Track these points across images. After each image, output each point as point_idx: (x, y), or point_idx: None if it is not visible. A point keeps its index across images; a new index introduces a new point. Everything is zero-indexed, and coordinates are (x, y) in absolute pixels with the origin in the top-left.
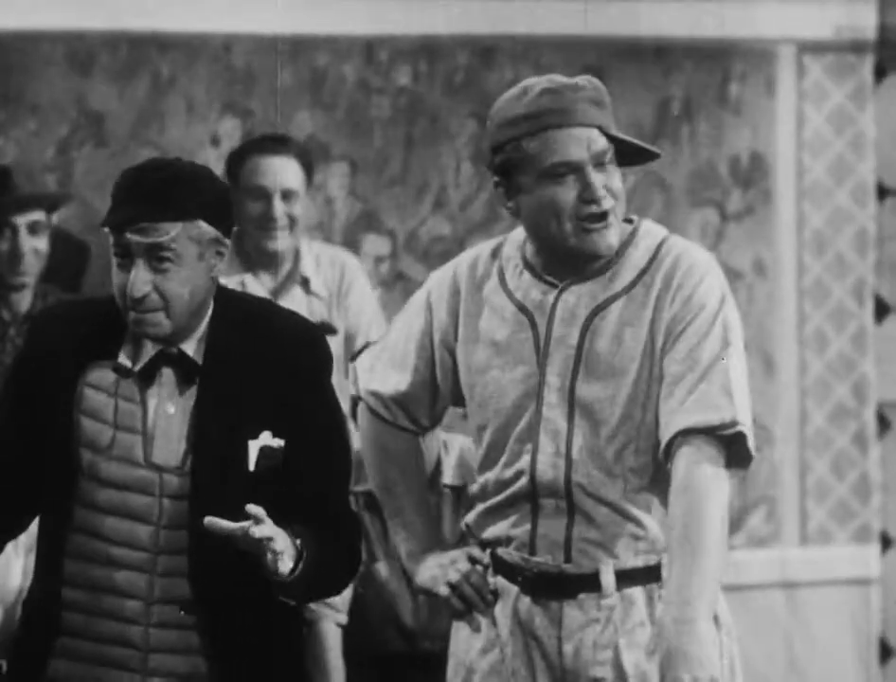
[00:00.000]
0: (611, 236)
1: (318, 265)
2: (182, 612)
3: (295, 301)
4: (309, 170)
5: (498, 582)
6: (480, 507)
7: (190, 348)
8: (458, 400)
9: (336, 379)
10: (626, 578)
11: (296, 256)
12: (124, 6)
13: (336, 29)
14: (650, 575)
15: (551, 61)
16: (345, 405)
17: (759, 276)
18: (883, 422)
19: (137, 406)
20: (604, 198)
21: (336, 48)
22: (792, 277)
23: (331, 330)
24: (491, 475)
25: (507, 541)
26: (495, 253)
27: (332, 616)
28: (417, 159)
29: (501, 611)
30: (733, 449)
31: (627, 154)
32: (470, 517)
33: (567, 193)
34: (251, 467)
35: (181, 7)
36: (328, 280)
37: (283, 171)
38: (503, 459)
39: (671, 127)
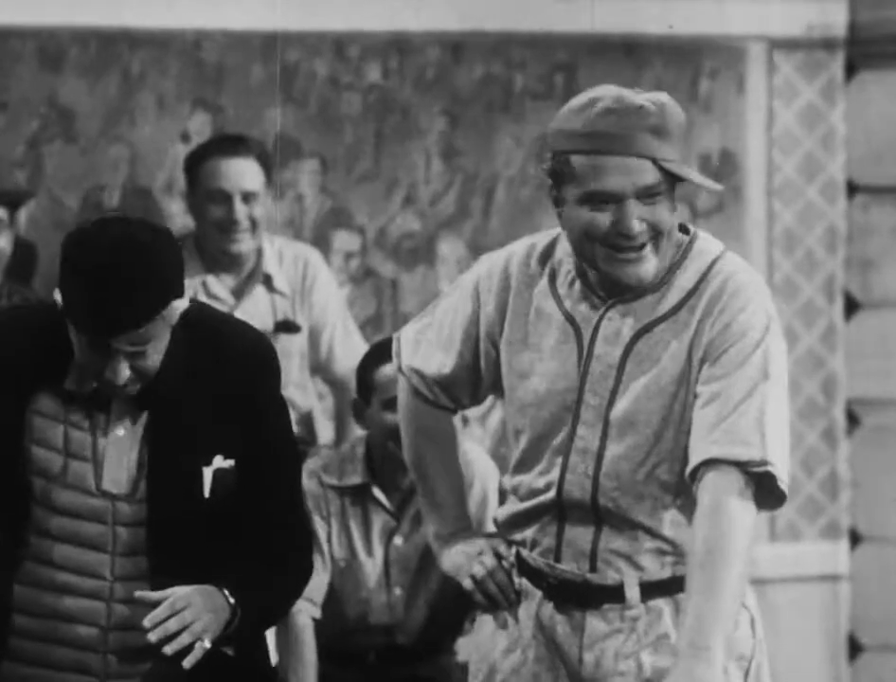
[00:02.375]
0: (645, 269)
1: (281, 262)
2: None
3: (257, 299)
4: (268, 169)
5: (524, 583)
6: (510, 507)
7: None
8: (500, 390)
9: (299, 376)
10: (653, 589)
11: (259, 254)
12: (94, 2)
13: (306, 26)
14: (677, 586)
15: (522, 57)
16: (309, 400)
17: None
18: (852, 419)
19: (86, 433)
20: (640, 233)
21: (306, 45)
22: (762, 274)
23: (295, 327)
24: (525, 479)
25: (532, 545)
26: (548, 251)
27: (307, 610)
28: (387, 155)
29: (525, 613)
30: (763, 487)
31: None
32: (499, 513)
33: (604, 220)
34: (206, 493)
35: (151, 3)
36: (291, 277)
37: (243, 173)
38: (538, 468)
39: None
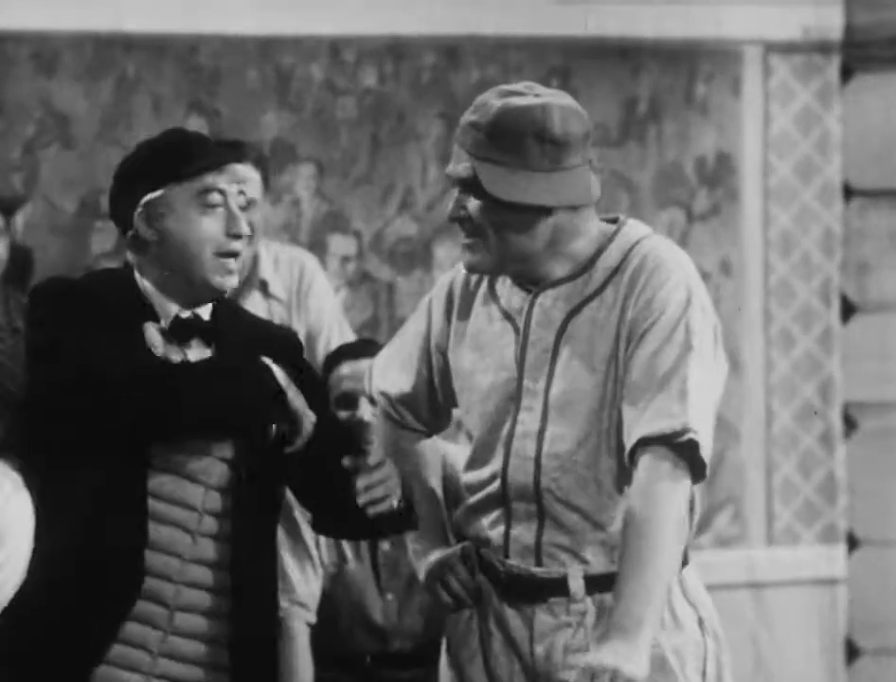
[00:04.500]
0: (472, 257)
1: (277, 267)
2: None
3: (254, 305)
4: (266, 175)
5: (482, 581)
6: (463, 505)
7: (205, 312)
8: (456, 403)
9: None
10: (598, 583)
11: (255, 260)
12: (89, 6)
13: (302, 30)
14: None
15: (518, 61)
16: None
17: (725, 276)
18: (849, 422)
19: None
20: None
21: (302, 49)
22: (758, 277)
23: None
24: (471, 476)
25: (485, 542)
26: None
27: (302, 615)
28: (383, 160)
29: (485, 611)
30: (691, 458)
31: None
32: (457, 514)
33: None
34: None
35: (147, 7)
36: (286, 282)
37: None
38: (482, 461)
39: (637, 127)
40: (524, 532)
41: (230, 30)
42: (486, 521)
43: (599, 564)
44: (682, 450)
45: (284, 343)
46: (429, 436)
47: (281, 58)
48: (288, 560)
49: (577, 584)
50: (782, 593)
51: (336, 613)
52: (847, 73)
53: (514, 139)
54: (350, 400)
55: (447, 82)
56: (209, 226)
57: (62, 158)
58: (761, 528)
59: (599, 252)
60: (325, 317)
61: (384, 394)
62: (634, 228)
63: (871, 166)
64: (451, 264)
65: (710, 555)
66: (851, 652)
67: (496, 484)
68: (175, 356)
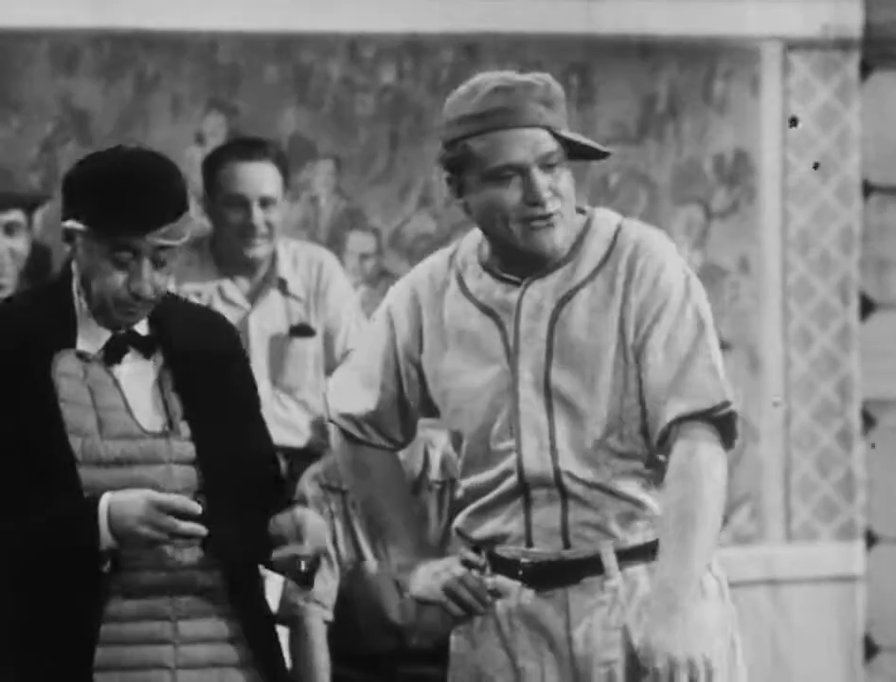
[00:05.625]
0: (557, 237)
1: (296, 265)
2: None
3: (272, 304)
4: (286, 174)
5: (498, 581)
6: (468, 509)
7: (141, 327)
8: (429, 411)
9: (314, 379)
10: (627, 557)
11: (273, 258)
12: (109, 3)
13: (321, 27)
14: (650, 552)
15: (537, 58)
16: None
17: (743, 273)
18: (867, 420)
19: (110, 386)
20: (549, 200)
21: (321, 46)
22: (776, 274)
23: (310, 331)
24: (474, 479)
25: (501, 538)
26: (451, 260)
27: (319, 612)
28: (401, 157)
29: (505, 610)
30: (728, 429)
31: (581, 151)
32: (459, 520)
33: (512, 195)
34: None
35: (166, 5)
36: (305, 280)
37: (262, 178)
38: (487, 460)
39: (656, 124)
40: (547, 517)
41: (249, 28)
42: (501, 517)
43: (626, 537)
44: (721, 423)
45: (222, 331)
46: (392, 451)
47: (300, 55)
48: None
49: (610, 560)
50: (800, 590)
51: (354, 611)
52: (866, 70)
53: (562, 107)
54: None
55: (466, 80)
56: (114, 279)
57: (80, 156)
58: (779, 525)
59: (580, 238)
60: (343, 315)
61: (344, 415)
62: (606, 213)
63: (890, 163)
64: None
65: (729, 552)
66: (870, 648)
67: (512, 479)
68: (102, 377)
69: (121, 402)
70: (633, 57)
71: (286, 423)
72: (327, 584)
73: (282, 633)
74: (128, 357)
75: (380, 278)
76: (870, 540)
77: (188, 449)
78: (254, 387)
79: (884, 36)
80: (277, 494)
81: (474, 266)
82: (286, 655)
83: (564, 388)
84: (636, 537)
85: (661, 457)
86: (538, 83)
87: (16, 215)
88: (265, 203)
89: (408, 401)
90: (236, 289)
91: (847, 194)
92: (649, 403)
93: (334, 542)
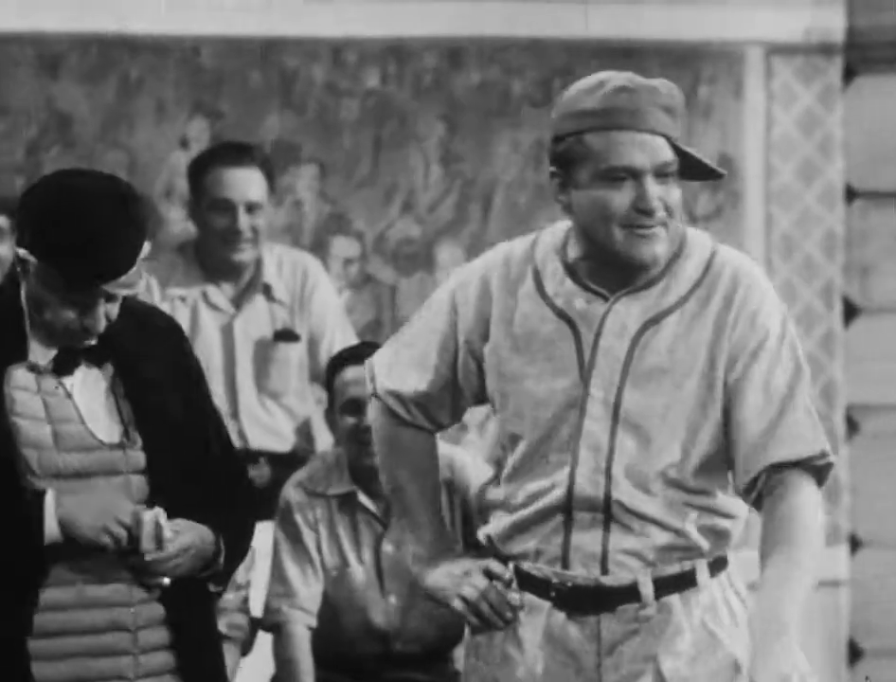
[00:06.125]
0: (658, 247)
1: (280, 270)
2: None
3: (257, 309)
4: (271, 179)
5: (526, 598)
6: (506, 518)
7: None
8: (480, 400)
9: (299, 384)
10: (663, 586)
11: (258, 263)
12: (93, 8)
13: (305, 32)
14: (686, 581)
15: (520, 63)
16: (308, 408)
17: None
18: (851, 425)
19: (63, 398)
20: (658, 210)
21: (305, 51)
22: None
23: (294, 336)
24: (523, 486)
25: (535, 555)
26: (528, 254)
27: (302, 618)
28: (385, 161)
29: (531, 629)
30: (822, 477)
31: (689, 169)
32: (492, 529)
33: (622, 198)
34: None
35: (150, 9)
36: (290, 285)
37: (247, 184)
38: (539, 471)
39: None
40: (588, 541)
41: (233, 32)
42: (539, 533)
43: (665, 566)
44: (817, 471)
45: (168, 334)
46: (431, 433)
47: (284, 60)
48: (288, 563)
49: (647, 589)
50: None
51: (338, 616)
52: (849, 75)
53: (682, 119)
54: (357, 405)
55: (449, 84)
56: (66, 314)
57: (64, 160)
58: None
59: (673, 259)
60: (328, 320)
61: (393, 393)
62: (698, 235)
63: (874, 167)
64: (453, 266)
65: None
66: (854, 653)
67: (558, 493)
68: (54, 389)
69: (75, 413)
70: (616, 62)
71: (271, 429)
72: (310, 590)
73: (267, 639)
74: (80, 368)
75: (364, 283)
76: (854, 545)
77: (143, 458)
78: (202, 387)
79: (866, 41)
80: (239, 491)
81: (556, 267)
82: (272, 660)
83: (634, 412)
84: (673, 567)
85: (745, 499)
86: (663, 89)
87: (1, 220)
88: (251, 208)
89: (462, 388)
90: (220, 294)
91: (830, 199)
92: (741, 444)
93: (318, 548)
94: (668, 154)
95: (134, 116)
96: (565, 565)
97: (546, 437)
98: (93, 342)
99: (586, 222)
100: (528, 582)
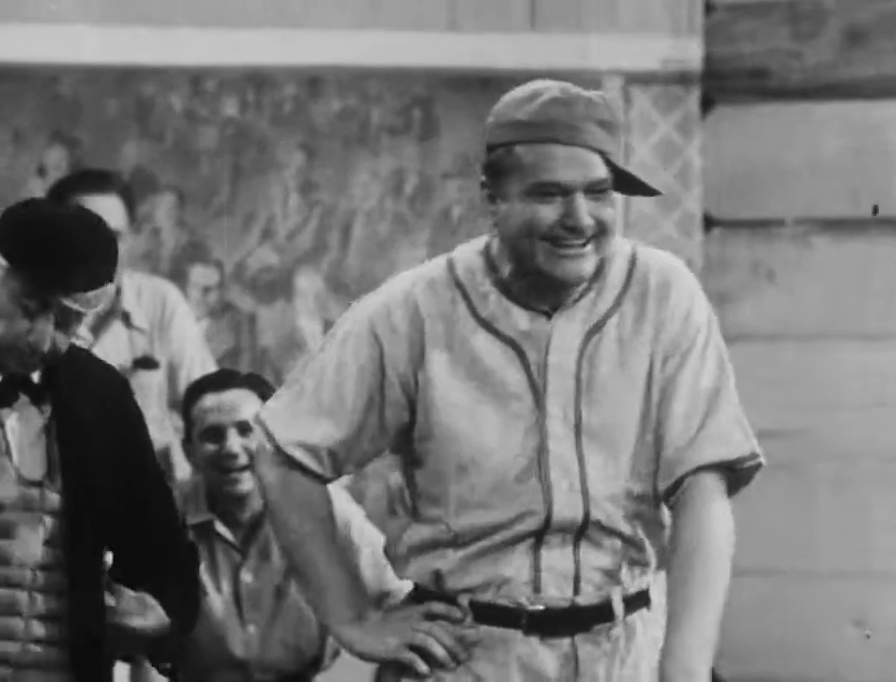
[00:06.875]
0: (585, 265)
1: (139, 298)
2: None
3: (116, 336)
4: (132, 207)
5: (493, 631)
6: (457, 553)
7: (35, 374)
8: (399, 444)
9: (158, 412)
10: (628, 604)
11: (118, 290)
12: None
13: (163, 60)
14: (644, 599)
15: (379, 91)
16: (166, 436)
17: None
18: None
19: None
20: (588, 227)
21: (163, 79)
22: None
23: (153, 364)
24: (481, 517)
25: (500, 584)
26: (450, 278)
27: None
28: (244, 189)
29: (491, 665)
30: (745, 479)
31: (624, 184)
32: (440, 564)
33: (549, 214)
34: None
35: (7, 36)
36: (149, 313)
37: (107, 211)
38: (499, 500)
39: None
40: (559, 561)
41: (91, 60)
42: (502, 561)
43: (630, 584)
44: (746, 472)
45: (112, 386)
46: (325, 484)
47: (142, 88)
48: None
49: (619, 607)
50: None
51: (197, 646)
52: (707, 104)
53: (618, 132)
54: (217, 432)
55: (308, 112)
56: (16, 325)
57: None
58: None
59: (600, 265)
60: (187, 348)
61: (301, 444)
62: (618, 239)
63: (732, 196)
64: (313, 294)
65: None
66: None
67: (534, 521)
68: None
69: (3, 446)
70: (474, 90)
71: None
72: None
73: (125, 669)
74: (18, 403)
75: (223, 311)
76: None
77: (58, 500)
78: (141, 439)
79: (724, 70)
80: (179, 554)
81: (487, 288)
82: None
83: (595, 425)
84: (635, 584)
85: (665, 502)
86: (599, 102)
87: None
88: None
89: (386, 427)
90: None
91: (688, 227)
92: (668, 445)
93: None
94: (601, 171)
95: None
96: (537, 588)
97: (504, 464)
98: (35, 374)
99: (511, 236)
100: (487, 614)
